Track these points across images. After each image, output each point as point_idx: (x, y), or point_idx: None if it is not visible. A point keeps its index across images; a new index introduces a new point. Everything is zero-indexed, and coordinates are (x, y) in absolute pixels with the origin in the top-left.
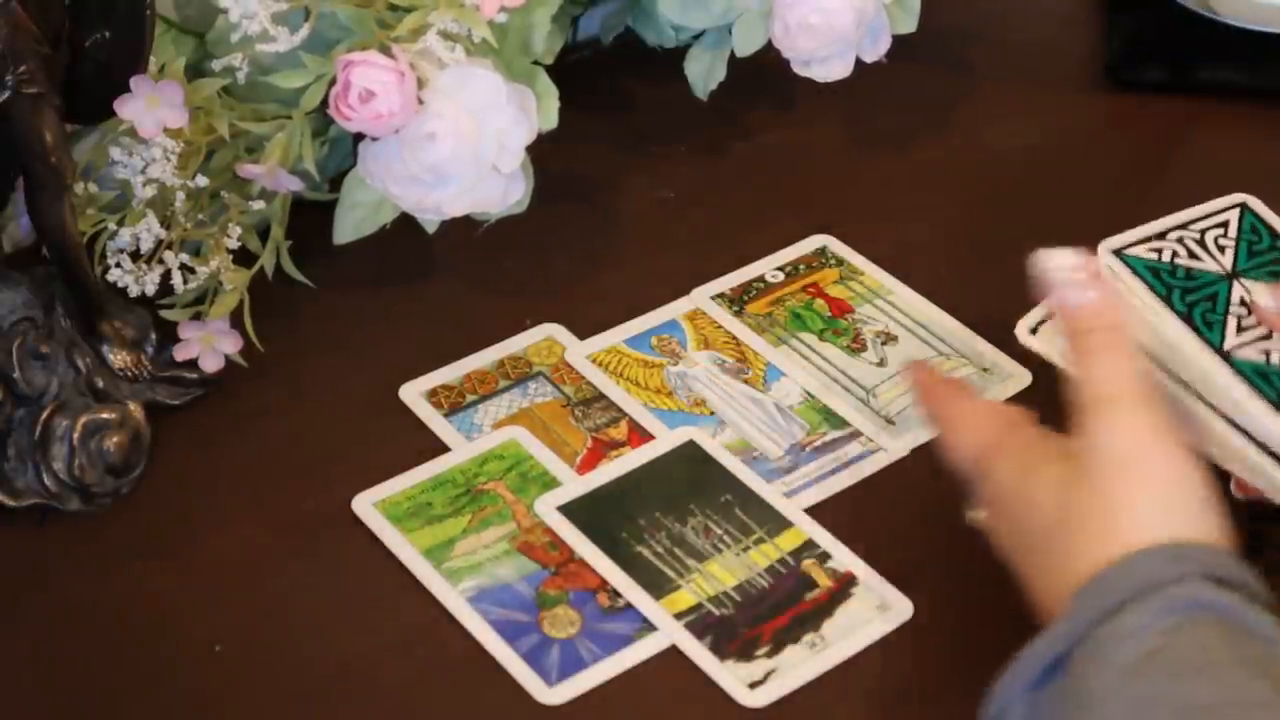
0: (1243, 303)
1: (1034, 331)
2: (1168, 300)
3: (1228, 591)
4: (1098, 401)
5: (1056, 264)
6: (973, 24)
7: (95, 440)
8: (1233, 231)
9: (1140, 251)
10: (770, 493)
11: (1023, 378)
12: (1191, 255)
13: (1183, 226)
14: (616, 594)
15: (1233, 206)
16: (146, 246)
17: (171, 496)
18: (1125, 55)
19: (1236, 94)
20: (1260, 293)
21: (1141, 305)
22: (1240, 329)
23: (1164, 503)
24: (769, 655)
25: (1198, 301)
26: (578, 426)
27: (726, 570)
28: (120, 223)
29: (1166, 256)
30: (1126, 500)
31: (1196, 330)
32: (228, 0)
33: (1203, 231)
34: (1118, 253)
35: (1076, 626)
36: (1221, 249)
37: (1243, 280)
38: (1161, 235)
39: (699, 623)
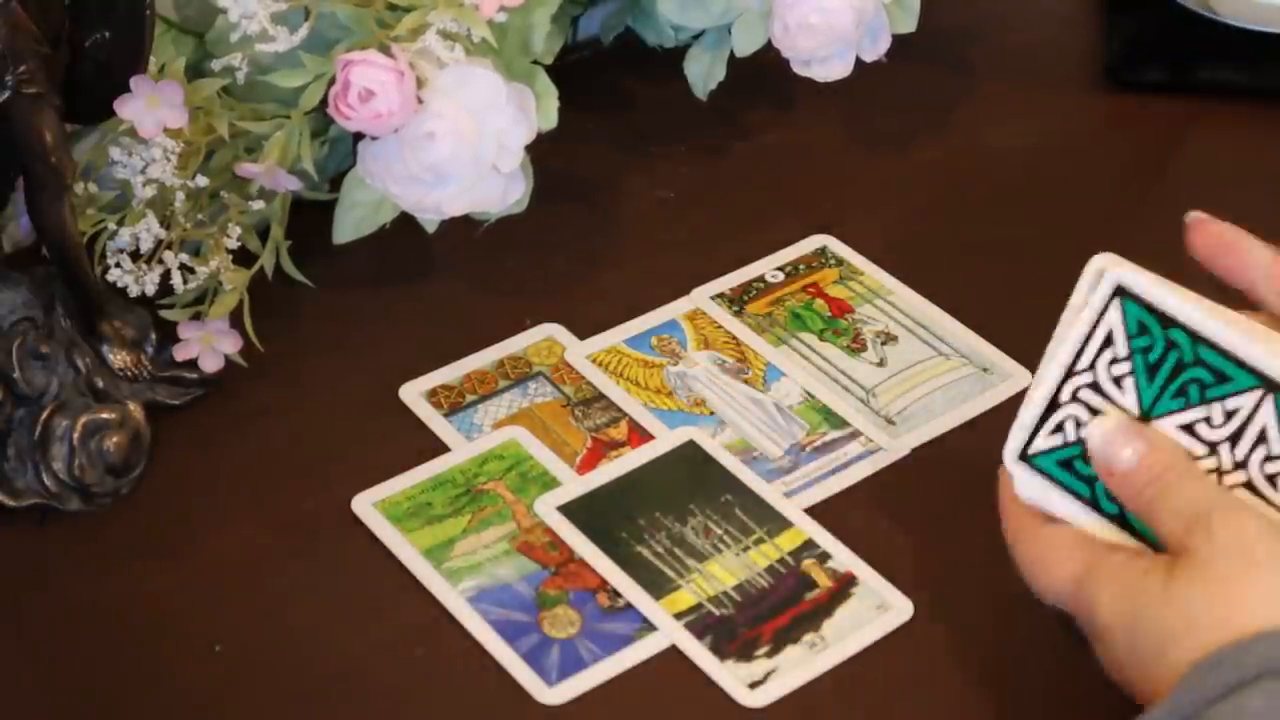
0: None
1: (1025, 458)
2: (1096, 506)
3: None
4: (1190, 525)
5: (1098, 429)
6: (972, 24)
7: (95, 440)
8: (1121, 345)
9: (1046, 443)
10: (770, 493)
11: (1022, 378)
12: (1094, 414)
13: (1071, 372)
14: (616, 594)
15: (1111, 299)
16: (146, 246)
17: (171, 496)
18: (1125, 55)
19: (1236, 94)
20: (1094, 429)
21: (1073, 521)
22: None
23: (1278, 590)
24: (769, 655)
25: None
26: (578, 426)
27: (726, 570)
28: (120, 223)
29: (1072, 433)
30: (1240, 589)
31: (1135, 533)
32: (227, 0)
33: (1093, 362)
34: (1025, 459)
35: (1184, 705)
36: (1119, 382)
37: (1158, 421)
38: (1054, 403)
39: (699, 623)
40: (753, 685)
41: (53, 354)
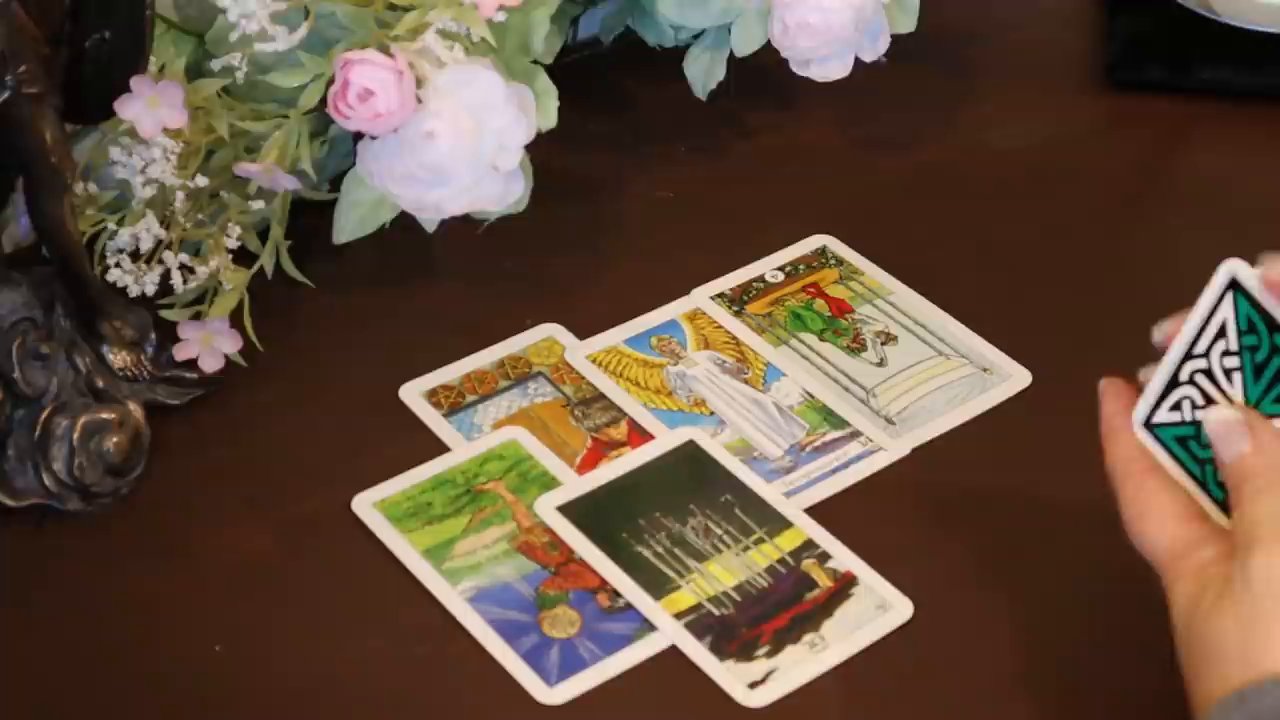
0: None
1: (1148, 426)
2: (1205, 487)
3: None
4: (1254, 543)
5: (1214, 418)
6: (973, 24)
7: (95, 440)
8: (1232, 338)
9: (1166, 416)
10: (770, 493)
11: (1022, 378)
12: (1207, 400)
13: (1189, 354)
14: (616, 594)
15: (1225, 291)
16: (146, 246)
17: (171, 496)
18: (1125, 55)
19: (1236, 94)
20: (1212, 415)
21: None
22: None
23: None
24: (769, 655)
25: None
26: (578, 426)
27: (726, 570)
28: (120, 223)
29: (1188, 413)
30: (1265, 630)
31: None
32: (227, 0)
33: (1208, 350)
34: (1148, 426)
35: None
36: (1229, 374)
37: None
38: (1175, 381)
39: (699, 623)
40: (753, 685)
41: (53, 354)
